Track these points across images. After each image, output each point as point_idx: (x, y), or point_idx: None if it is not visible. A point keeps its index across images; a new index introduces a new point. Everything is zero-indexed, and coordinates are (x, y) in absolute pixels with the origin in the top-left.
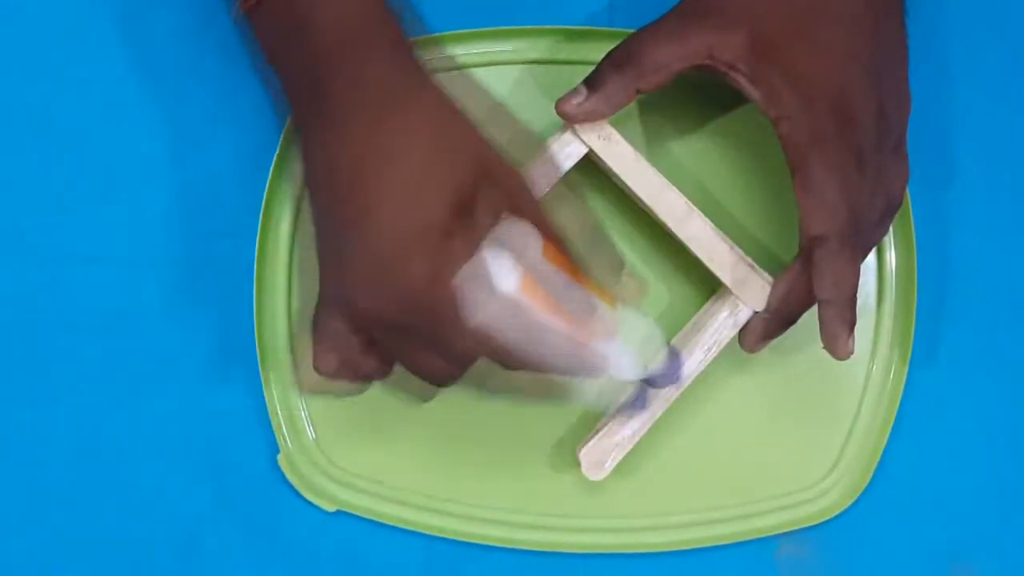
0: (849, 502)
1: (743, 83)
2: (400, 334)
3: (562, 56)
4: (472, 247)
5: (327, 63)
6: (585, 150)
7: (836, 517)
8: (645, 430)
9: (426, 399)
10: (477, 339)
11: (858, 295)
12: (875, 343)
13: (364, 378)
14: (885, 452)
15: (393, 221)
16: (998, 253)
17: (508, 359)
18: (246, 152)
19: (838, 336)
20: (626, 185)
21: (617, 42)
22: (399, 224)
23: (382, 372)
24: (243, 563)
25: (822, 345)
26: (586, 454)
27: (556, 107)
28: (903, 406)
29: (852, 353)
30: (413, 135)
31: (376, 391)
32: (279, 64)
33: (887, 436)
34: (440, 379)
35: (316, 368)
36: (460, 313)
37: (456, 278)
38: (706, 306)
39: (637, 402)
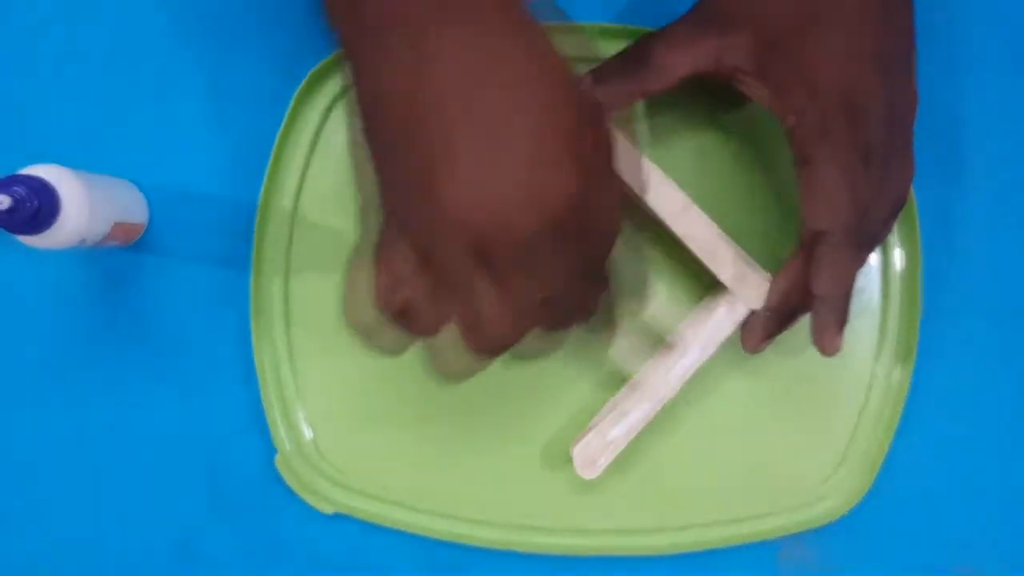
0: (852, 505)
1: (750, 83)
2: (529, 254)
3: (580, 54)
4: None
5: None
6: None
7: (839, 520)
8: (639, 429)
9: (461, 376)
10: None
11: (863, 294)
12: (880, 343)
13: (418, 327)
14: (889, 454)
15: (529, 135)
16: (1003, 252)
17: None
18: (244, 153)
19: (827, 332)
20: (623, 180)
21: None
22: (536, 137)
23: (435, 326)
24: (240, 566)
25: (810, 340)
26: (579, 452)
27: None
28: (907, 407)
29: (840, 350)
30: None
31: (376, 390)
32: None
33: (891, 438)
34: (575, 315)
35: (378, 301)
36: (612, 214)
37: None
38: (703, 303)
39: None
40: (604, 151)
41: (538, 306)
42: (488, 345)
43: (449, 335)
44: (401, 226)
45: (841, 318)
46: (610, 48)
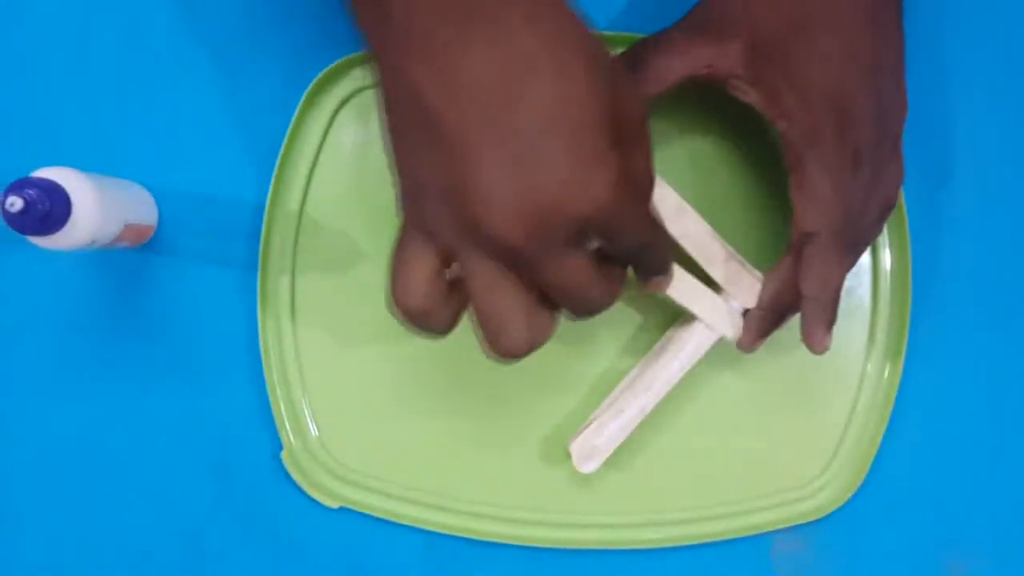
0: (844, 499)
1: (743, 88)
2: (561, 256)
3: None
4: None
5: None
6: None
7: (831, 514)
8: (635, 424)
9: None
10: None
11: (854, 294)
12: (870, 341)
13: (434, 323)
14: (880, 449)
15: (563, 140)
16: (991, 252)
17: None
18: (252, 154)
19: (816, 332)
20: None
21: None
22: (570, 142)
23: (451, 324)
24: (247, 560)
25: (800, 338)
26: (577, 447)
27: None
28: (898, 404)
29: (829, 348)
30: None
31: (381, 387)
32: None
33: (882, 433)
34: (602, 300)
35: (396, 301)
36: (644, 209)
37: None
38: None
39: None
40: (640, 144)
41: (564, 296)
42: (511, 343)
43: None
44: (426, 226)
45: (830, 317)
46: None
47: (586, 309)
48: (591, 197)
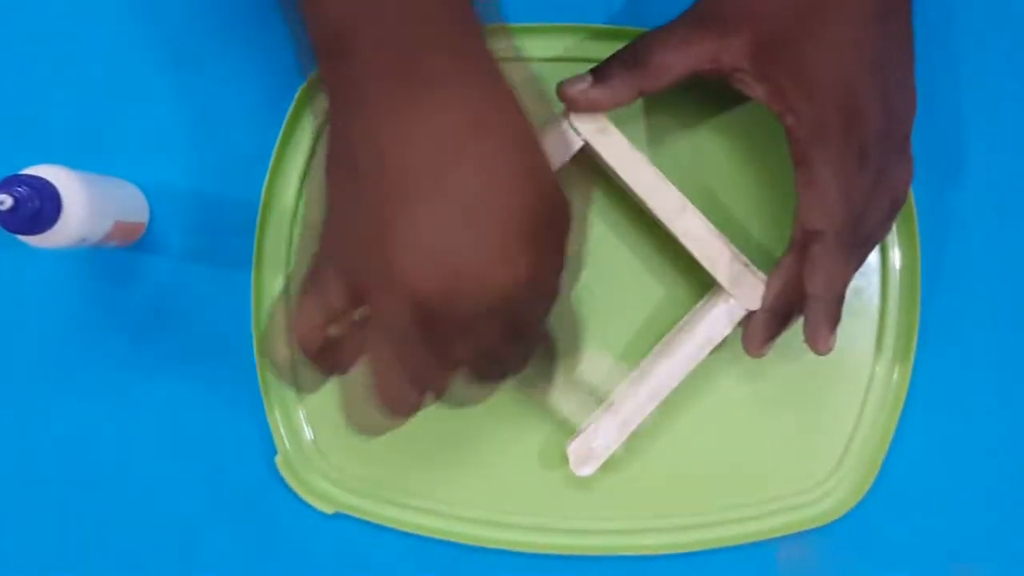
0: (852, 504)
1: (749, 83)
2: (468, 325)
3: (578, 54)
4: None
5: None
6: (581, 143)
7: (839, 520)
8: (634, 427)
9: (372, 431)
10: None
11: (862, 294)
12: (879, 343)
13: (335, 363)
14: (888, 454)
15: (493, 216)
16: (1002, 252)
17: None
18: (245, 152)
19: (820, 332)
20: (621, 179)
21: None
22: (499, 220)
23: (352, 363)
24: (241, 565)
25: (803, 338)
26: (574, 450)
27: (558, 89)
28: (907, 408)
29: (832, 349)
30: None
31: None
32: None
33: (890, 438)
34: (503, 372)
35: (297, 330)
36: (554, 288)
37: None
38: (700, 303)
39: None
40: (560, 237)
41: (466, 362)
42: (402, 394)
43: (366, 387)
44: (340, 267)
45: (834, 317)
46: (606, 50)
47: (485, 377)
48: (500, 284)
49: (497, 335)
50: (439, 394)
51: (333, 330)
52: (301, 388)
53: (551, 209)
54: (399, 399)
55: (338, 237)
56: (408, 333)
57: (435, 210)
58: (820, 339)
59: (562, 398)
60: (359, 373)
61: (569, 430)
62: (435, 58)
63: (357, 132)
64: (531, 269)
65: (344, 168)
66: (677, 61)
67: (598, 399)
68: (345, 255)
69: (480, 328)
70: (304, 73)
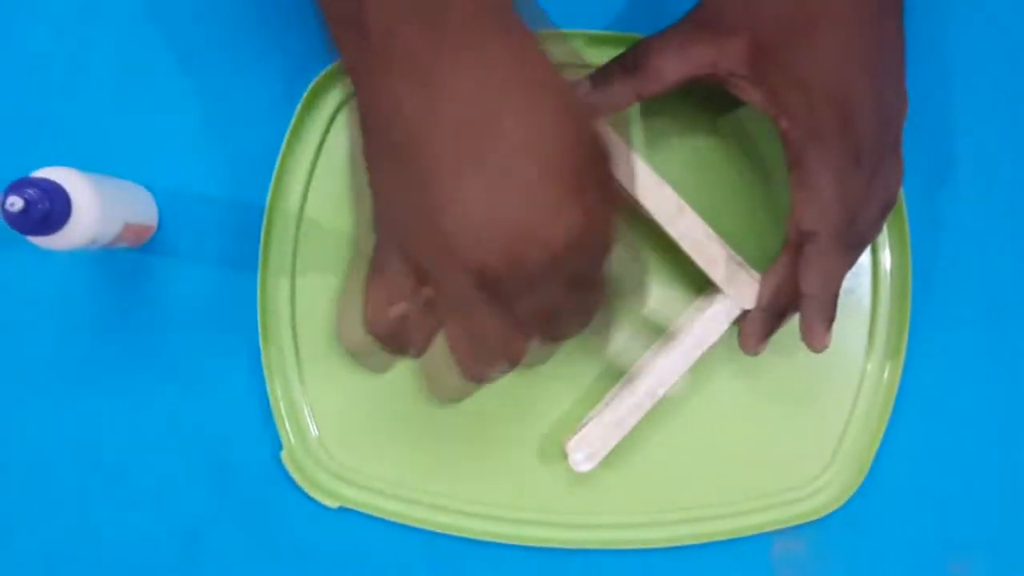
0: (844, 499)
1: (745, 87)
2: (531, 283)
3: (576, 60)
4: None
5: None
6: None
7: (831, 514)
8: (632, 423)
9: (454, 398)
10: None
11: (853, 294)
12: (870, 341)
13: (409, 345)
14: (880, 449)
15: (537, 170)
16: (992, 251)
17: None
18: (251, 155)
19: (816, 330)
20: (618, 180)
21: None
22: (544, 173)
23: (426, 344)
24: (246, 559)
25: (799, 337)
26: (573, 445)
27: None
28: (898, 403)
29: (828, 346)
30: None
31: (380, 387)
32: None
33: (882, 433)
34: (573, 326)
35: (369, 322)
36: (610, 236)
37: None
38: (696, 302)
39: None
40: (606, 173)
41: (537, 323)
42: (484, 365)
43: (443, 359)
44: (400, 249)
45: (829, 315)
46: (603, 55)
47: (555, 336)
48: (556, 237)
49: (561, 290)
50: (517, 360)
51: (401, 310)
52: (373, 369)
53: (591, 148)
54: (478, 369)
55: (390, 221)
56: (475, 304)
57: (477, 177)
58: (816, 337)
59: (624, 346)
60: (436, 346)
61: (576, 418)
62: (452, 17)
63: (385, 109)
64: (583, 215)
65: (380, 151)
66: (675, 66)
67: (653, 336)
68: (401, 237)
69: (544, 286)
70: (330, 56)
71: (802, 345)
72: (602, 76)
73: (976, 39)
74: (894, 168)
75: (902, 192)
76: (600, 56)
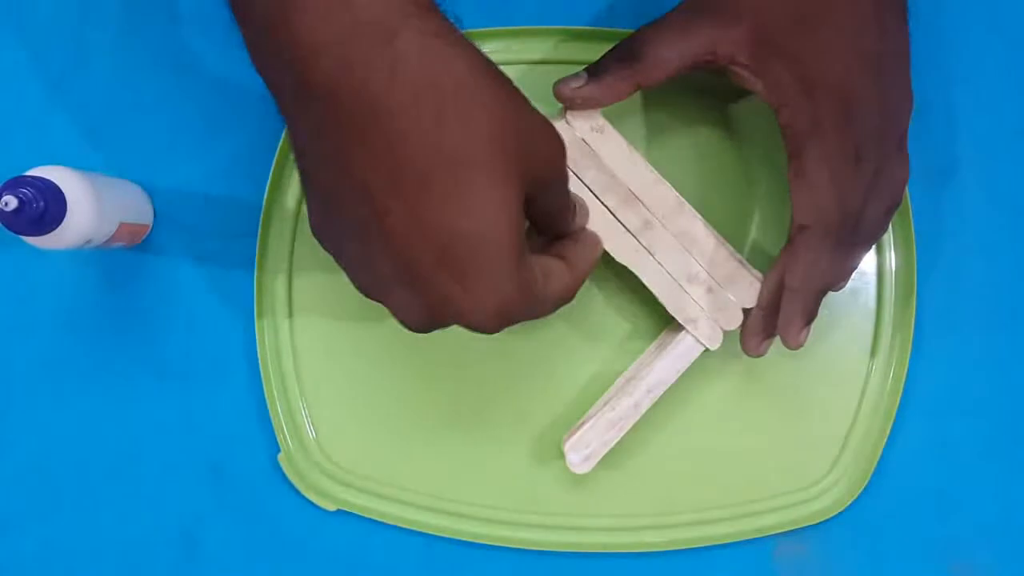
0: (848, 502)
1: (746, 76)
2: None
3: (563, 56)
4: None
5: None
6: (578, 142)
7: (835, 517)
8: (630, 424)
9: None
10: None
11: (858, 295)
12: (875, 342)
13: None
14: (885, 451)
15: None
16: (997, 253)
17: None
18: (247, 154)
19: (792, 325)
20: (618, 178)
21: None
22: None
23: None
24: (243, 562)
25: (776, 331)
26: (571, 446)
27: (554, 88)
28: (902, 406)
29: (803, 344)
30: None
31: (378, 389)
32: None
33: (887, 435)
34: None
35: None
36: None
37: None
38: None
39: None
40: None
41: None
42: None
43: None
44: (371, 288)
45: (808, 312)
46: (593, 51)
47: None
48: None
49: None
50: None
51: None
52: None
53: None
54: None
55: (359, 267)
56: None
57: (428, 212)
58: (791, 333)
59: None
60: None
61: (574, 419)
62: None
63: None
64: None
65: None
66: (674, 53)
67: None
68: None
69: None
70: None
71: (806, 345)
72: (598, 67)
73: (982, 37)
74: (899, 167)
75: (907, 193)
76: (589, 52)
